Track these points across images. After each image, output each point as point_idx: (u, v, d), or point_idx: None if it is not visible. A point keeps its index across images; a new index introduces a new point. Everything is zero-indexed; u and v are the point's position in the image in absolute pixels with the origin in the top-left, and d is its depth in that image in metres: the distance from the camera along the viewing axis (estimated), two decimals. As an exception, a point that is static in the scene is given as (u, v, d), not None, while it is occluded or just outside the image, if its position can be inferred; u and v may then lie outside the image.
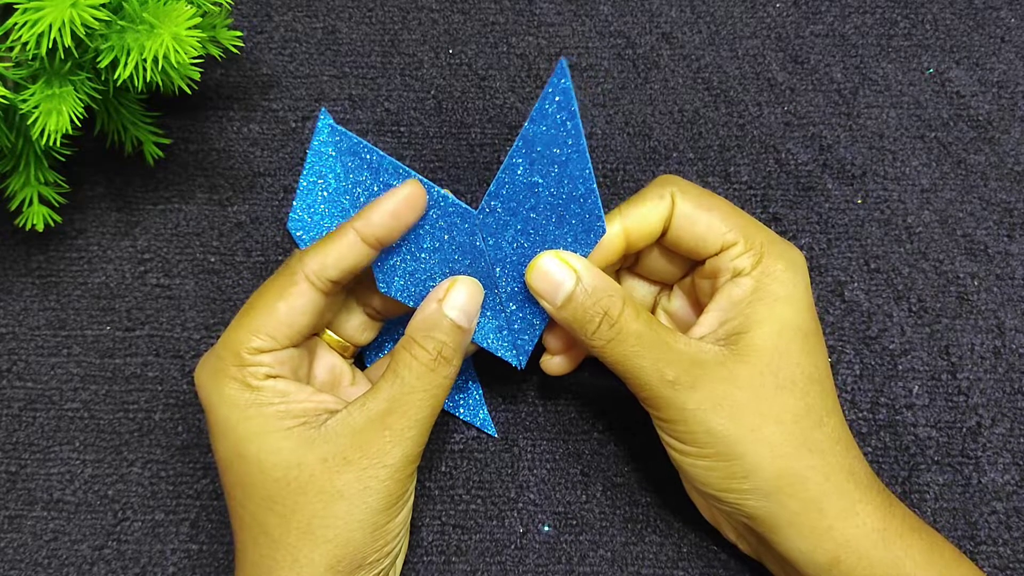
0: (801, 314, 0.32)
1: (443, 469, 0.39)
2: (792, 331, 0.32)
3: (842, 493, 0.31)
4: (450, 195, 0.32)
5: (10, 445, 0.39)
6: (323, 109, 0.41)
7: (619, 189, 0.42)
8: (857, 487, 0.32)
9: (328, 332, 0.36)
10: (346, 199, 0.41)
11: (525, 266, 0.33)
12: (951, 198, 0.41)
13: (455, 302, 0.32)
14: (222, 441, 0.32)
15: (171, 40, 0.32)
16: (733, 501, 0.32)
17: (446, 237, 0.32)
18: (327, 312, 0.34)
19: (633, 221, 0.33)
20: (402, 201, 0.32)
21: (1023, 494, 0.38)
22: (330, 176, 0.41)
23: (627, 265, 0.37)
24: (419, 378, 0.31)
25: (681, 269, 0.36)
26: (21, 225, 0.38)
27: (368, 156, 0.32)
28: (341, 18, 0.44)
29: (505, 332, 0.35)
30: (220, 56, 0.39)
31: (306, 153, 0.42)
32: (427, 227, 0.32)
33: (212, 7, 0.37)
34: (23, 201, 0.38)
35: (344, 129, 0.32)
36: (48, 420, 0.40)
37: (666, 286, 0.38)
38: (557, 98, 0.30)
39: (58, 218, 0.39)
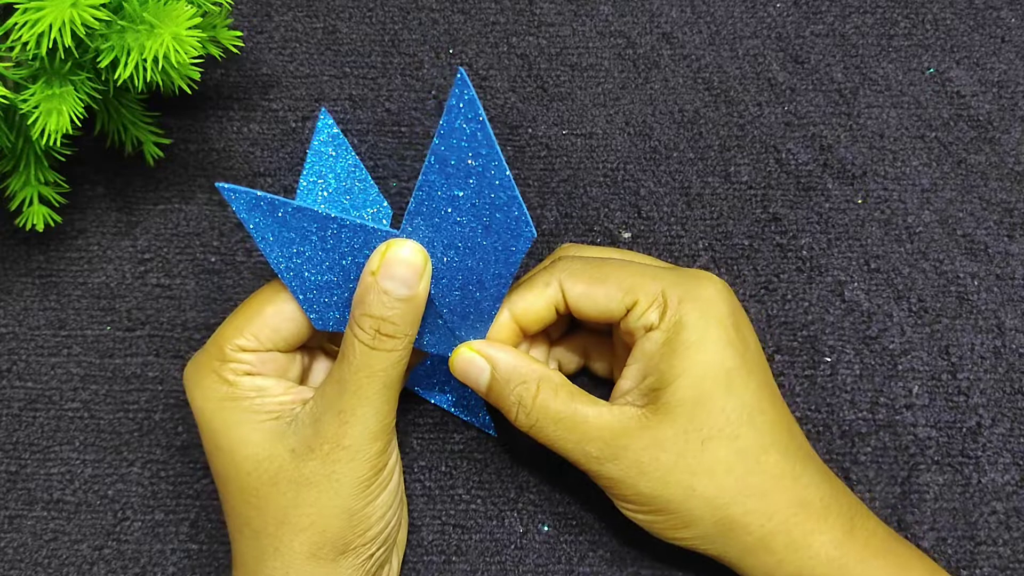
0: (718, 354, 0.32)
1: (443, 469, 0.39)
2: (711, 377, 0.31)
3: (789, 528, 0.31)
4: (368, 222, 0.31)
5: (10, 445, 0.39)
6: (323, 109, 0.41)
7: (619, 189, 0.42)
8: (808, 518, 0.31)
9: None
10: (346, 199, 0.41)
11: (457, 279, 0.33)
12: (951, 198, 0.41)
13: (390, 271, 0.31)
14: (203, 434, 0.33)
15: (171, 40, 0.32)
16: (684, 546, 0.33)
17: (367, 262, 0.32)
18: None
19: (520, 309, 0.34)
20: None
21: (1023, 494, 0.38)
22: (330, 176, 0.41)
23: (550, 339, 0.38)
24: (362, 357, 0.31)
25: (592, 331, 0.38)
26: (21, 225, 0.38)
27: (274, 209, 0.30)
28: (341, 18, 0.44)
29: (452, 340, 0.35)
30: (220, 56, 0.39)
31: (306, 153, 0.42)
32: (349, 257, 0.31)
33: (212, 7, 0.37)
34: (23, 201, 0.38)
35: (236, 187, 0.30)
36: (48, 420, 0.40)
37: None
38: (462, 109, 0.29)
39: (58, 218, 0.39)
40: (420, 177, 0.30)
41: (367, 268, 0.31)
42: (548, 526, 0.38)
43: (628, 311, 0.33)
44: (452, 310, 0.33)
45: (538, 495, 0.39)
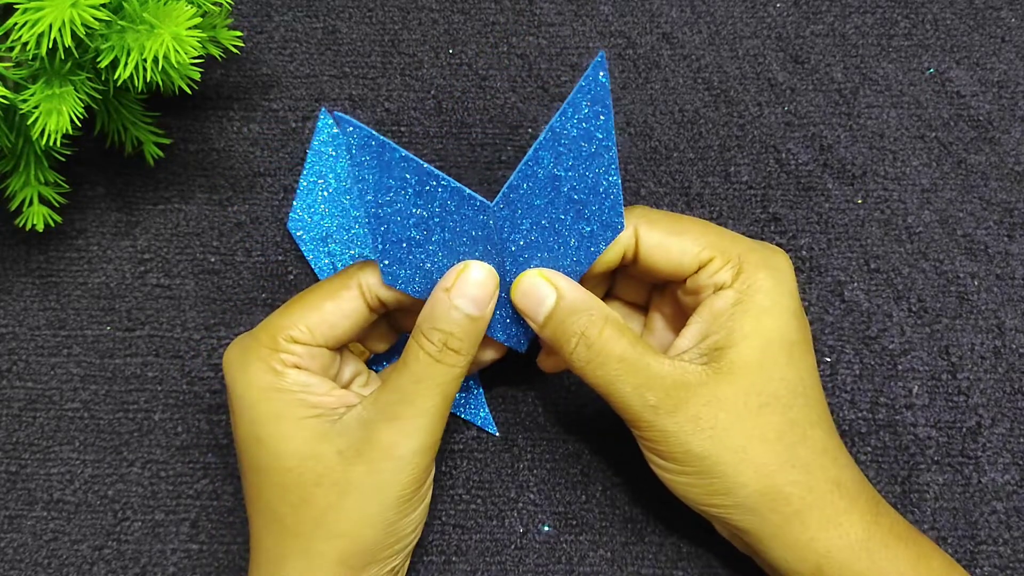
0: (786, 324, 0.32)
1: (443, 469, 0.39)
2: (777, 343, 0.31)
3: (825, 505, 0.31)
4: (466, 188, 0.31)
5: (10, 445, 0.39)
6: (323, 109, 0.41)
7: (619, 189, 0.42)
8: (842, 497, 0.31)
9: None
10: (346, 199, 0.41)
11: (535, 259, 0.33)
12: (951, 198, 0.41)
13: (463, 290, 0.31)
14: (241, 421, 0.32)
15: (171, 40, 0.32)
16: (716, 514, 0.32)
17: (458, 229, 0.31)
18: (367, 327, 0.34)
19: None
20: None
21: (1023, 494, 0.38)
22: (330, 176, 0.41)
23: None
24: (426, 368, 0.31)
25: (649, 289, 0.37)
26: (21, 225, 0.38)
27: (382, 152, 0.30)
28: (341, 18, 0.44)
29: (511, 322, 0.34)
30: (220, 56, 0.39)
31: (306, 153, 0.42)
32: (438, 219, 0.31)
33: (212, 7, 0.37)
34: (23, 201, 0.38)
35: (353, 120, 0.29)
36: (48, 420, 0.40)
37: (641, 308, 0.38)
38: (592, 91, 0.29)
39: (58, 218, 0.39)
40: (530, 151, 0.30)
41: (441, 284, 0.32)
42: (548, 526, 0.38)
43: (700, 268, 0.33)
44: None
45: (538, 495, 0.39)
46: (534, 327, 0.33)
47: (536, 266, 0.33)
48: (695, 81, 0.43)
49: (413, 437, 0.31)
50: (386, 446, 0.31)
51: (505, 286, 0.33)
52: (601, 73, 0.29)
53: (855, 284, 0.41)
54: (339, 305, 0.32)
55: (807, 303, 0.40)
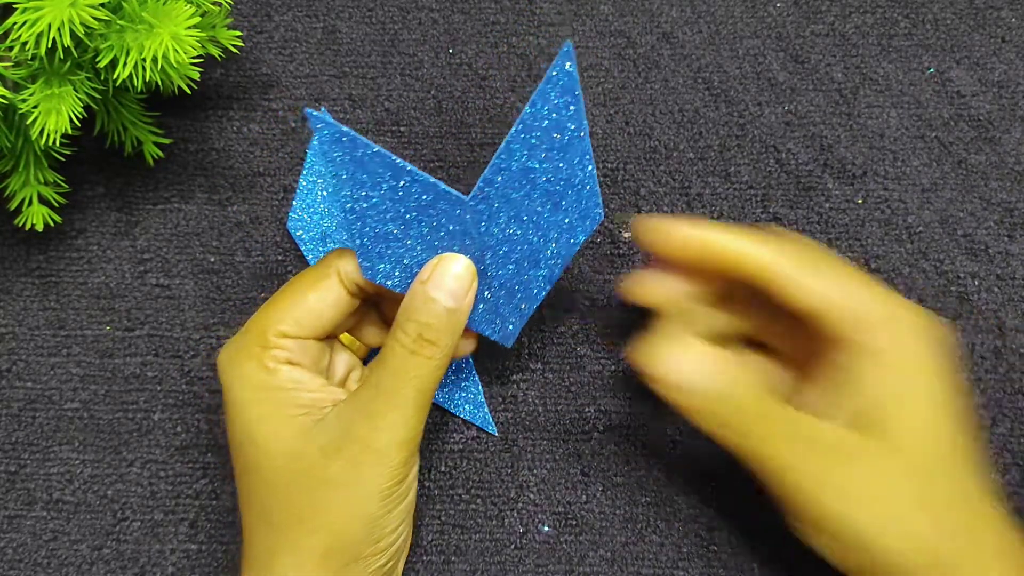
0: (944, 393, 0.31)
1: (443, 469, 0.39)
2: (938, 415, 0.30)
3: (987, 571, 0.30)
4: (441, 183, 0.31)
5: (10, 445, 0.39)
6: (323, 109, 0.41)
7: (619, 189, 0.42)
8: (1008, 566, 0.30)
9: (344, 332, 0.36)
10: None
11: (515, 252, 0.33)
12: (952, 198, 0.41)
13: (440, 283, 0.32)
14: (235, 422, 0.32)
15: (171, 40, 0.32)
16: (854, 570, 0.31)
17: (435, 223, 0.32)
18: (352, 315, 0.34)
19: (716, 236, 0.31)
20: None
21: (1023, 494, 0.38)
22: (329, 176, 0.41)
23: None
24: (402, 361, 0.31)
25: (773, 323, 0.35)
26: (21, 225, 0.38)
27: (354, 148, 0.30)
28: (341, 18, 0.44)
29: (494, 316, 0.34)
30: (220, 56, 0.39)
31: (305, 153, 0.42)
32: (415, 213, 0.31)
33: (212, 7, 0.37)
34: (23, 201, 0.38)
35: (324, 116, 0.29)
36: (48, 420, 0.40)
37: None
38: (561, 82, 0.29)
39: (58, 218, 0.39)
40: (503, 144, 0.30)
41: (418, 278, 0.32)
42: (548, 526, 0.38)
43: (843, 322, 0.31)
44: (501, 284, 0.33)
45: (538, 495, 0.39)
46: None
47: (516, 260, 0.32)
48: (695, 81, 0.43)
49: (389, 431, 0.31)
50: (363, 440, 0.31)
51: (487, 279, 0.33)
52: (568, 63, 0.29)
53: (855, 284, 0.41)
54: (321, 295, 0.33)
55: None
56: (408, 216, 0.31)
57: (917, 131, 0.42)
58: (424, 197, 0.31)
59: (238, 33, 0.39)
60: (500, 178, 0.31)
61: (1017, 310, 0.40)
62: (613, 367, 0.40)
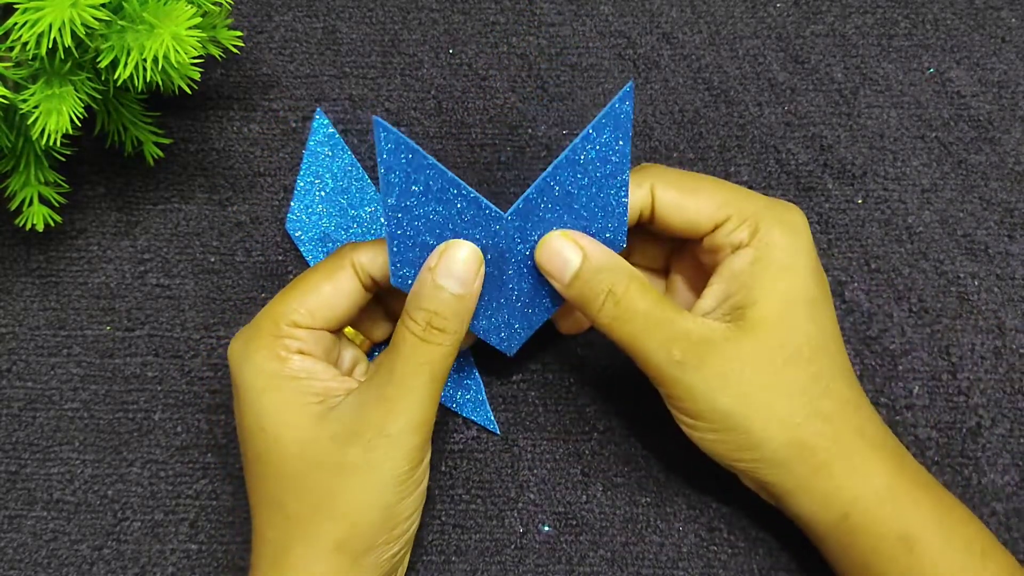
0: (805, 280, 0.32)
1: (443, 469, 0.39)
2: (797, 301, 0.32)
3: (850, 454, 0.32)
4: (482, 198, 0.32)
5: (10, 445, 0.40)
6: (319, 109, 0.41)
7: (619, 189, 0.42)
8: (867, 446, 0.32)
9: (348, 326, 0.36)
10: (343, 199, 0.41)
11: (537, 269, 0.33)
12: (951, 198, 0.41)
13: (447, 268, 0.32)
14: (246, 411, 0.32)
15: (171, 40, 0.32)
16: (743, 468, 0.33)
17: (468, 236, 0.32)
18: (363, 306, 0.34)
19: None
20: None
21: (1023, 495, 0.38)
22: (327, 176, 0.41)
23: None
24: (412, 348, 0.31)
25: (669, 251, 0.37)
26: (21, 225, 0.38)
27: (412, 158, 0.30)
28: (341, 18, 0.44)
29: (502, 326, 0.35)
30: (220, 56, 0.39)
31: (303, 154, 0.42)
32: (452, 225, 0.32)
33: (212, 7, 0.37)
34: (23, 201, 0.38)
35: (387, 124, 0.30)
36: (48, 420, 0.40)
37: (660, 271, 0.38)
38: (616, 119, 0.31)
39: (58, 218, 0.39)
40: (549, 168, 0.32)
41: (425, 265, 0.32)
42: (548, 526, 0.38)
43: (716, 227, 0.33)
44: (517, 297, 0.34)
45: (538, 495, 0.39)
46: (559, 287, 0.33)
47: (536, 276, 0.33)
48: (695, 81, 0.43)
49: (404, 416, 0.31)
50: (378, 426, 0.31)
51: (507, 294, 0.34)
52: (627, 103, 0.31)
53: (855, 284, 0.41)
54: (336, 286, 0.33)
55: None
56: (446, 227, 0.32)
57: (917, 131, 0.42)
58: (465, 210, 0.32)
59: (238, 33, 0.39)
60: (542, 199, 0.32)
61: (1017, 310, 0.40)
62: (613, 367, 0.40)
